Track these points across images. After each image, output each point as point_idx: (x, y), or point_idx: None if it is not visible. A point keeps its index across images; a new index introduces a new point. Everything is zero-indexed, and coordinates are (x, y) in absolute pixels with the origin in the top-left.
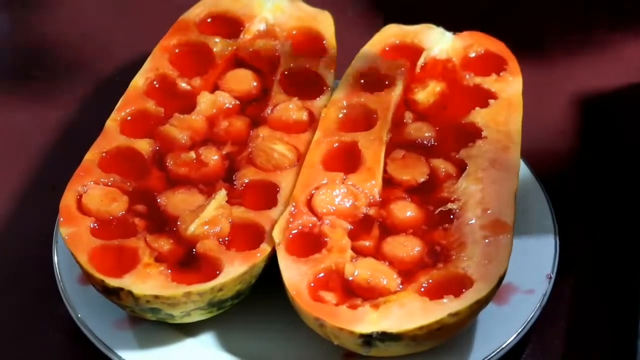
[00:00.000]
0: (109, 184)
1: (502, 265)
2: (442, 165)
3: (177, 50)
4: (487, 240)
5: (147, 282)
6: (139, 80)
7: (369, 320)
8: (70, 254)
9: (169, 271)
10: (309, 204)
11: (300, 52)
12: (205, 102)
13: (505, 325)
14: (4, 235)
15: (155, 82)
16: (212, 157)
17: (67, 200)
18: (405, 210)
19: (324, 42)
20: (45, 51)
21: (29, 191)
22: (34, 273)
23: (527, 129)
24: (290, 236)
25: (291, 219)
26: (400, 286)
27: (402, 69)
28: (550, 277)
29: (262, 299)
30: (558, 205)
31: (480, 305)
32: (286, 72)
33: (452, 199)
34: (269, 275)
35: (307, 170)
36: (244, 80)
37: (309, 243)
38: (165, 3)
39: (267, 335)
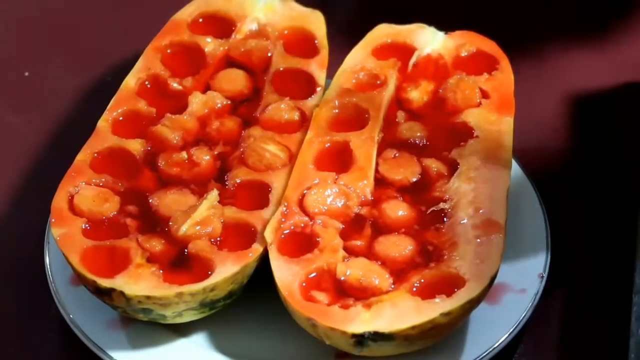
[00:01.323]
0: (101, 184)
1: (494, 264)
2: (434, 165)
3: (168, 51)
4: (479, 240)
5: (139, 282)
6: (131, 81)
7: (361, 320)
8: (62, 255)
9: (161, 272)
10: (301, 203)
11: (292, 52)
12: (197, 102)
13: (497, 324)
14: None
15: (147, 82)
16: (204, 157)
17: (59, 200)
18: (397, 210)
19: (316, 41)
20: (36, 51)
21: (21, 192)
22: (26, 274)
23: (519, 128)
24: (282, 236)
25: (283, 219)
26: (392, 286)
27: (394, 68)
28: (542, 277)
29: (254, 299)
30: (550, 204)
31: (472, 304)
32: (278, 72)
33: (444, 198)
34: (261, 276)
35: (298, 170)
36: (235, 80)
37: (301, 243)
38: (157, 3)
39: (259, 335)
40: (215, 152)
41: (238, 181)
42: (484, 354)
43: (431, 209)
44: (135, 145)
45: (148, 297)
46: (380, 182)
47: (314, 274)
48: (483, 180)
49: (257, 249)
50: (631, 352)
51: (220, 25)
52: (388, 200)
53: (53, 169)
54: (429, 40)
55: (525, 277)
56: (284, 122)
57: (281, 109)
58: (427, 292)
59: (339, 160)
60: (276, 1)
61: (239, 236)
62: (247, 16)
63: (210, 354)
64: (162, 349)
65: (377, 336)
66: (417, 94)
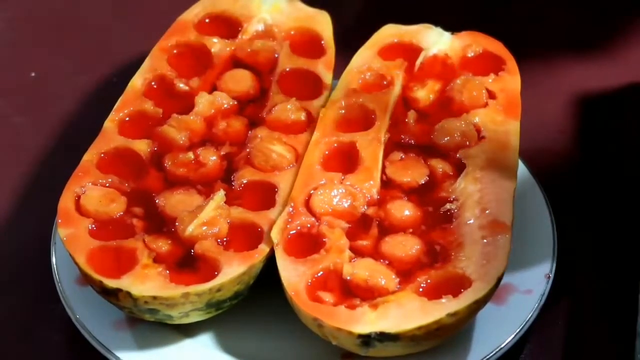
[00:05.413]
0: (107, 184)
1: (500, 265)
2: (440, 165)
3: (175, 51)
4: (485, 240)
5: (146, 282)
6: (137, 81)
7: (367, 321)
8: (69, 255)
9: (167, 272)
10: (307, 204)
11: (299, 53)
12: (204, 102)
13: (503, 325)
14: (2, 236)
15: (153, 83)
16: (211, 157)
17: (65, 201)
18: (403, 210)
19: (322, 42)
20: (42, 51)
21: (28, 192)
22: (33, 274)
23: (526, 129)
24: (289, 237)
25: (289, 220)
26: (399, 286)
27: (401, 68)
28: (549, 277)
29: (261, 299)
30: (556, 205)
31: (478, 305)
32: (284, 73)
33: (450, 199)
34: (267, 276)
35: (305, 171)
36: (242, 80)
37: (307, 243)
38: (163, 3)
39: (265, 335)
40: (222, 153)
41: (244, 181)
42: (490, 355)
43: (438, 210)
44: (142, 146)
45: (154, 298)
46: (388, 184)
47: (320, 274)
48: (489, 180)
49: (263, 249)
50: (637, 353)
51: (227, 25)
52: (393, 200)
53: (59, 169)
54: (436, 41)
55: (532, 278)
56: (290, 123)
57: (287, 110)
58: (433, 293)
59: (345, 160)
60: (282, 1)
61: (245, 236)
62: (253, 17)
63: (216, 355)
64: (169, 350)
65: (383, 336)
66: (424, 93)
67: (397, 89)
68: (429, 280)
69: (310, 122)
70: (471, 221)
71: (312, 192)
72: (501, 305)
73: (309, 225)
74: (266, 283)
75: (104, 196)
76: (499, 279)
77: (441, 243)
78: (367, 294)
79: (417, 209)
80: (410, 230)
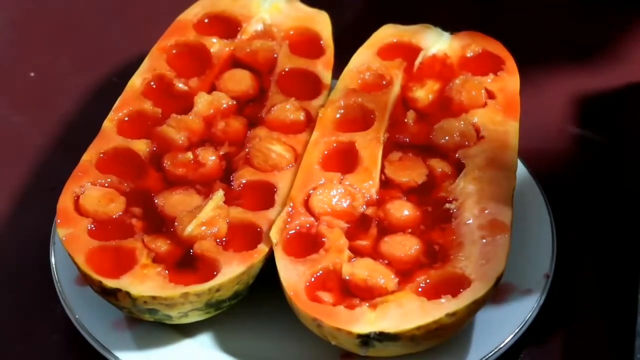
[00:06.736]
0: (106, 184)
1: (499, 265)
2: (440, 165)
3: (174, 51)
4: (484, 240)
5: (145, 283)
6: (137, 81)
7: (366, 321)
8: (68, 255)
9: (167, 272)
10: (307, 204)
11: (298, 53)
12: (203, 102)
13: (503, 325)
14: (1, 236)
15: (152, 83)
16: (210, 157)
17: (65, 201)
18: (402, 210)
19: (322, 42)
20: (42, 52)
21: (27, 192)
22: (32, 274)
23: (525, 129)
24: (288, 236)
25: (288, 219)
26: (398, 286)
27: (400, 68)
28: (548, 277)
29: (260, 299)
30: (556, 204)
31: (477, 305)
32: (283, 73)
33: (449, 198)
34: (267, 276)
35: (304, 171)
36: (241, 80)
37: (307, 243)
38: (162, 3)
39: (264, 335)
40: (221, 153)
41: (243, 181)
42: (490, 355)
43: (437, 209)
44: (141, 146)
45: (154, 298)
46: (387, 184)
47: (319, 274)
48: (489, 180)
49: (262, 249)
50: (637, 353)
51: (226, 25)
52: (392, 200)
53: (59, 169)
54: (435, 41)
55: (531, 277)
56: (289, 123)
57: (287, 110)
58: (432, 293)
59: (344, 160)
60: (282, 1)
61: (244, 236)
62: (252, 16)
63: (215, 355)
64: (168, 350)
65: (382, 336)
66: (423, 93)
67: (396, 89)
68: (428, 280)
69: (310, 122)
70: (470, 221)
71: (311, 192)
72: (501, 305)
73: (308, 225)
74: (265, 283)
75: (103, 196)
76: (498, 279)
77: (440, 243)
78: (367, 294)
79: (416, 209)
80: (410, 230)
